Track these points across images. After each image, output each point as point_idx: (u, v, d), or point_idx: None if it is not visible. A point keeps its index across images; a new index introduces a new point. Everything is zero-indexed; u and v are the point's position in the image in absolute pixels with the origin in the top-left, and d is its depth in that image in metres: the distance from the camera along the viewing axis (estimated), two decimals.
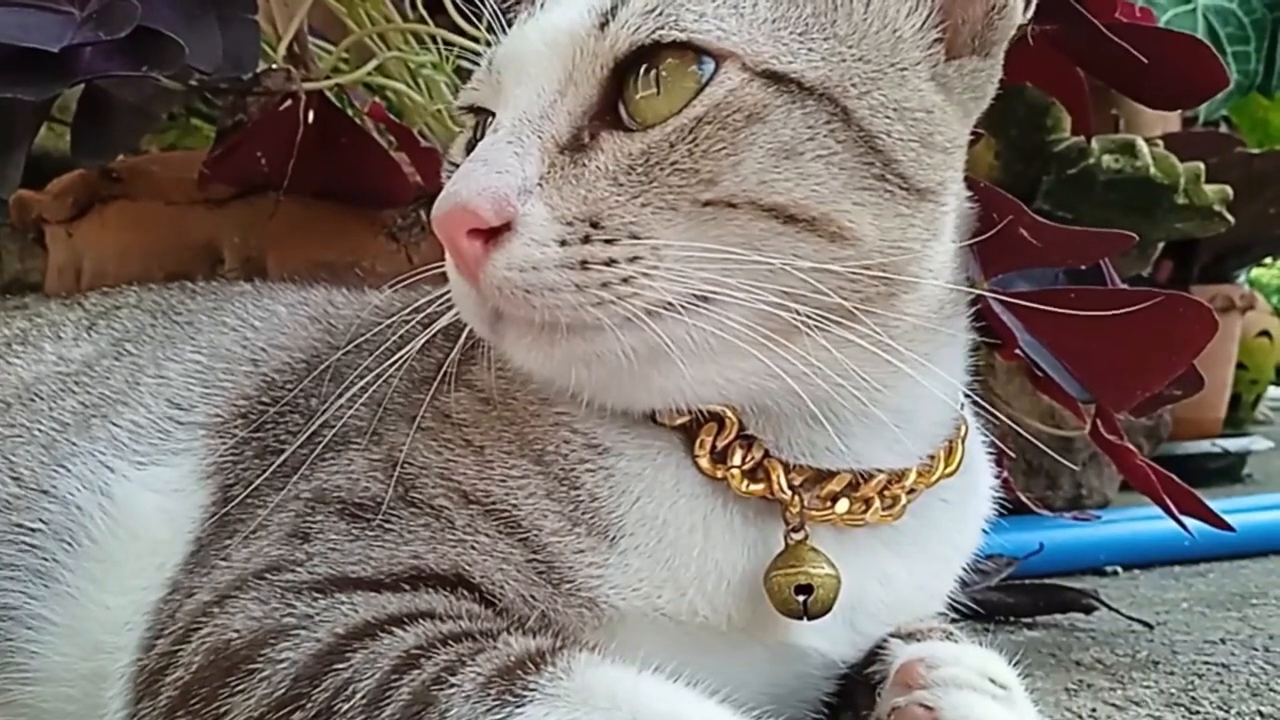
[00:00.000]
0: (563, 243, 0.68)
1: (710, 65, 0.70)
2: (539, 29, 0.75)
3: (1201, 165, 1.82)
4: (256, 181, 1.38)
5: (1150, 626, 1.33)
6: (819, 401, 0.74)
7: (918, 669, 0.76)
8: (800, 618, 0.76)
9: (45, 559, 0.82)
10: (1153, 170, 1.75)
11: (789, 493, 0.78)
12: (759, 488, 0.78)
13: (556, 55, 0.73)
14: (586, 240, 0.68)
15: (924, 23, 0.76)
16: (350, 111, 1.38)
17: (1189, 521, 1.23)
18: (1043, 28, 1.12)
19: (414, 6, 1.58)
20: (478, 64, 0.83)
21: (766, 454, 0.78)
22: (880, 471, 0.80)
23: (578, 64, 0.72)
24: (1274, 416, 4.94)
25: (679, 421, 0.78)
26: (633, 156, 0.70)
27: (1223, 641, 1.26)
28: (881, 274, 0.72)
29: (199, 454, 0.86)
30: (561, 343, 0.70)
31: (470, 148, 0.82)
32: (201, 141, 1.68)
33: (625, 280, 0.68)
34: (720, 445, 0.78)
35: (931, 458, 0.83)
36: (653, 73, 0.71)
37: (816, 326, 0.70)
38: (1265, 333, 4.06)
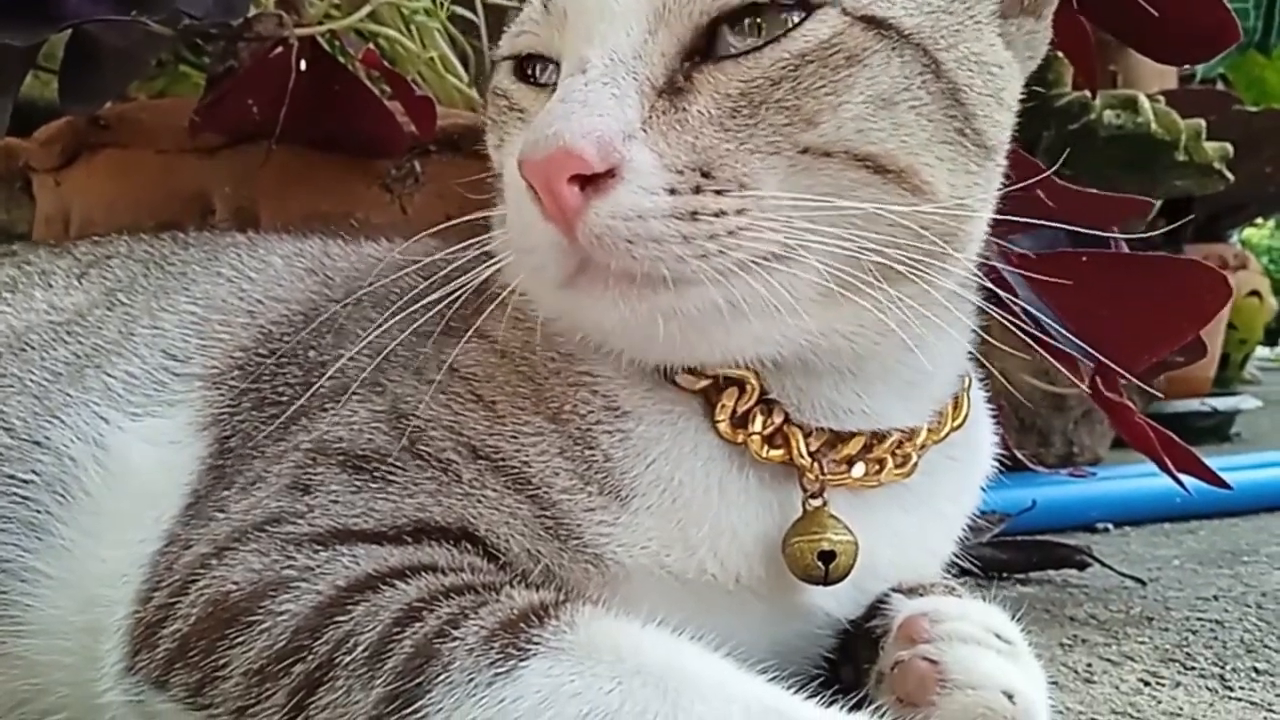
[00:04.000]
0: (672, 191, 0.65)
1: (804, 8, 0.69)
2: None
3: (1202, 123, 1.81)
4: (248, 130, 1.36)
5: (1143, 583, 1.34)
6: (854, 360, 0.75)
7: (921, 623, 0.75)
8: (820, 583, 0.76)
9: (38, 511, 0.81)
10: (1154, 127, 1.74)
11: (808, 459, 0.77)
12: (778, 453, 0.77)
13: None
14: (698, 191, 0.66)
15: None
16: (343, 59, 1.35)
17: (1186, 479, 1.23)
18: None
19: None
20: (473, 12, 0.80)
21: (786, 419, 0.78)
22: (895, 431, 0.80)
23: (671, 6, 0.69)
24: (1262, 376, 4.96)
25: (700, 385, 0.77)
26: (733, 97, 0.68)
27: (1216, 598, 1.26)
28: (946, 231, 0.72)
29: (195, 405, 0.84)
30: (650, 297, 0.67)
31: (518, 67, 0.79)
32: (191, 89, 1.66)
33: (731, 233, 0.66)
34: (741, 410, 0.77)
35: (939, 413, 0.83)
36: (751, 23, 0.69)
37: (877, 285, 0.70)
38: (1255, 292, 4.06)
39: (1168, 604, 1.24)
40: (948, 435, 0.83)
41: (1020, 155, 0.92)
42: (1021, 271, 0.97)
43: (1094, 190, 1.03)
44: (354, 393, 0.81)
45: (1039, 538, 1.43)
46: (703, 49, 0.70)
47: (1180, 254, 2.84)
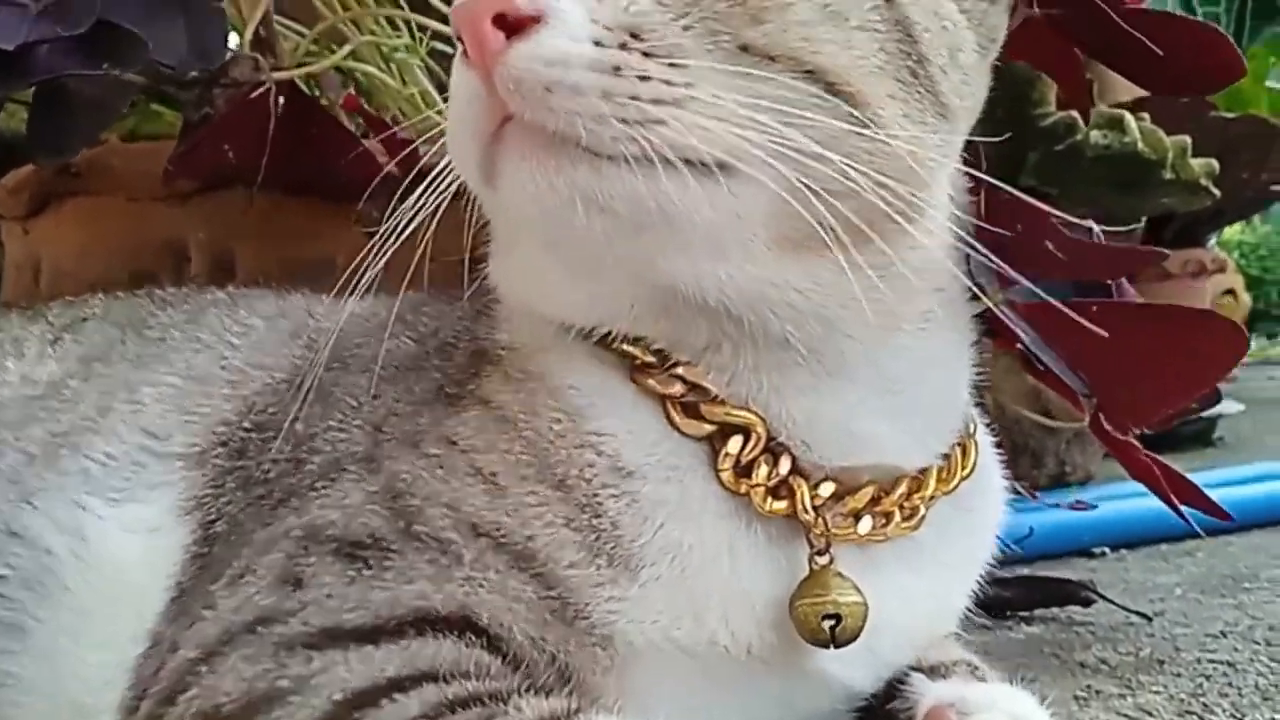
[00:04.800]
0: (597, 43, 0.63)
1: None
2: None
3: (1188, 140, 1.80)
4: (223, 175, 1.32)
5: (1149, 619, 1.31)
6: (829, 340, 0.72)
7: (948, 716, 0.73)
8: (828, 646, 0.73)
9: (14, 609, 0.77)
10: (1141, 146, 1.72)
11: (812, 514, 0.74)
12: (781, 506, 0.74)
13: None
14: (623, 48, 0.64)
15: None
16: (323, 99, 1.31)
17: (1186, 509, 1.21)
18: (1047, 12, 1.08)
19: None
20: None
21: (793, 468, 0.75)
22: (902, 476, 0.78)
23: None
24: (1239, 374, 4.99)
25: (705, 431, 0.74)
26: None
27: (1224, 634, 1.24)
28: (902, 182, 0.68)
29: (177, 488, 0.81)
30: (569, 168, 0.64)
31: None
32: (163, 126, 1.61)
33: (656, 102, 0.63)
34: (745, 459, 0.74)
35: (947, 459, 0.81)
36: None
37: (833, 239, 0.67)
38: (1230, 291, 4.08)
39: (1177, 643, 1.22)
40: (957, 486, 0.81)
41: (1025, 203, 0.89)
42: (1027, 319, 0.94)
43: (1105, 242, 1.00)
44: (346, 470, 0.78)
45: (1043, 574, 1.41)
46: None
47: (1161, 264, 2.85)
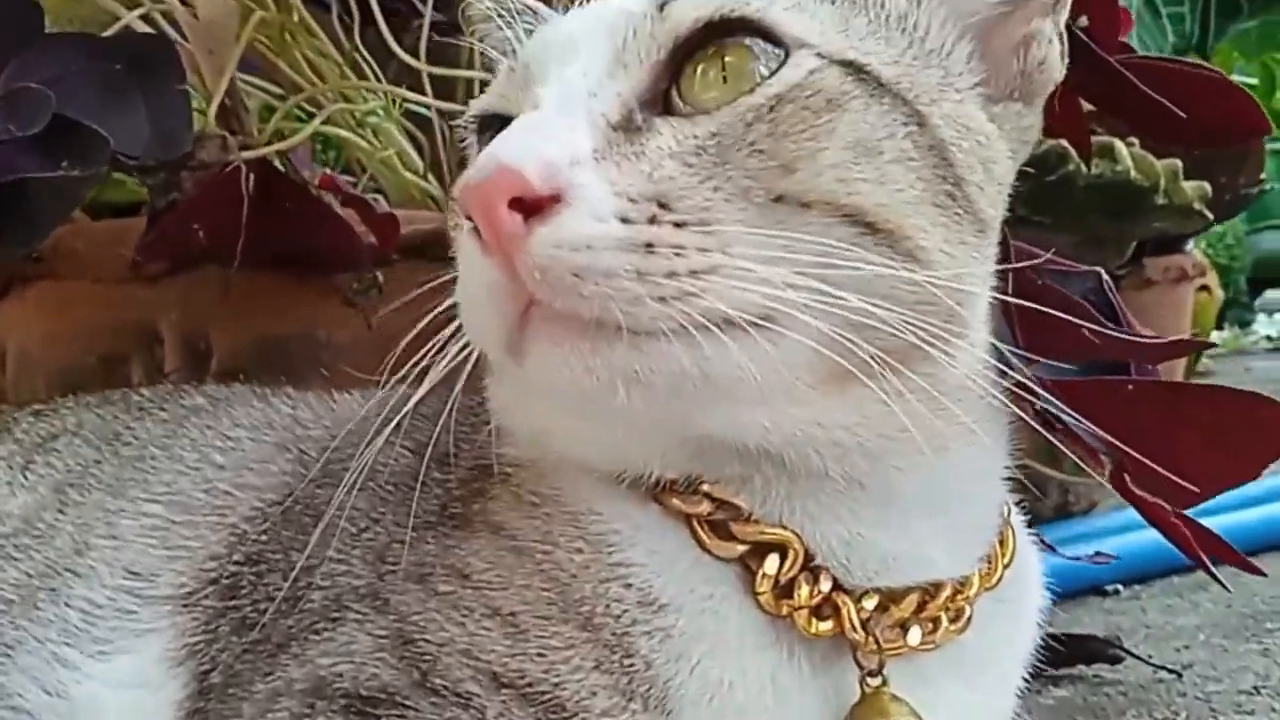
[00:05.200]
0: (625, 220, 0.59)
1: (780, 55, 0.64)
2: (582, 14, 0.69)
3: (1179, 163, 1.77)
4: (194, 254, 1.25)
5: (1179, 675, 1.27)
6: (874, 472, 0.68)
7: None
8: None
9: None
10: (1133, 174, 1.70)
11: (862, 632, 0.69)
12: (827, 627, 0.69)
13: (605, 34, 0.66)
14: (653, 221, 0.59)
15: (969, 55, 0.72)
16: (291, 170, 1.25)
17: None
18: None
19: (349, 35, 1.46)
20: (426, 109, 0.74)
21: (835, 585, 0.70)
22: (946, 582, 0.72)
23: (629, 45, 0.65)
24: (1215, 365, 4.98)
25: (739, 552, 0.69)
26: (701, 138, 0.62)
27: (1257, 690, 1.20)
28: (947, 308, 0.65)
29: (167, 635, 0.75)
30: (606, 350, 0.59)
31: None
32: (127, 195, 1.55)
33: (694, 273, 0.59)
34: (784, 579, 0.69)
35: (989, 557, 0.76)
36: (716, 59, 0.64)
37: (879, 369, 0.63)
38: (1204, 288, 4.08)
39: (1211, 703, 1.18)
40: (1001, 579, 0.76)
41: (1061, 293, 0.85)
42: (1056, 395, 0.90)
43: (1142, 335, 0.95)
44: (349, 608, 0.72)
45: (1068, 630, 1.36)
46: (662, 98, 0.64)
47: (1141, 269, 2.82)
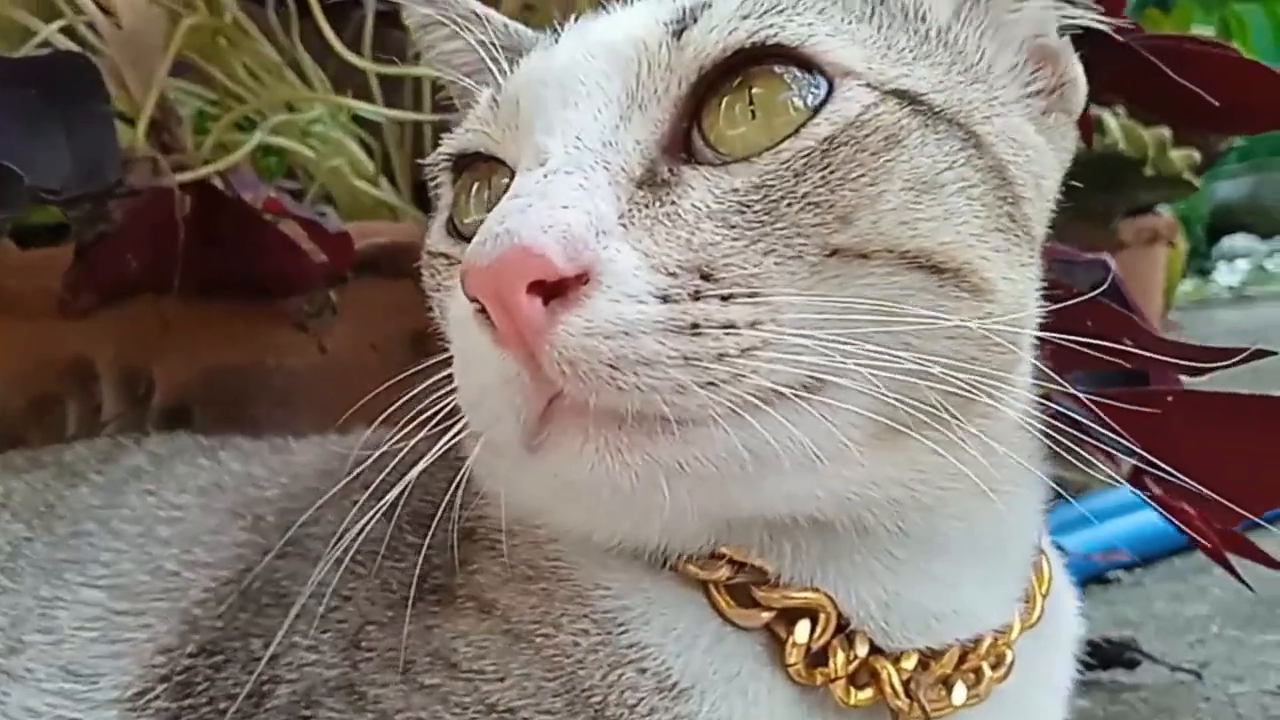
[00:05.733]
0: (665, 299, 0.51)
1: (822, 84, 0.56)
2: (584, 43, 0.60)
3: (1167, 133, 1.71)
4: (129, 284, 1.15)
5: (1199, 676, 1.21)
6: (925, 525, 0.62)
7: None
8: None
9: None
10: (1121, 145, 1.64)
11: (905, 698, 0.63)
12: (867, 695, 0.63)
13: (615, 70, 0.57)
14: (697, 297, 0.51)
15: (1019, 65, 0.67)
16: (245, 193, 1.15)
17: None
18: None
19: (287, 33, 1.36)
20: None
21: (872, 648, 0.63)
22: (988, 632, 0.66)
23: (644, 81, 0.57)
24: (1183, 320, 4.98)
25: (763, 621, 0.62)
26: (742, 192, 0.54)
27: None
28: (1007, 345, 0.59)
29: None
30: (645, 444, 0.51)
31: (450, 224, 0.66)
32: (53, 216, 1.44)
33: (745, 351, 0.51)
34: (816, 645, 0.62)
35: (1028, 597, 0.70)
36: (742, 92, 0.56)
37: (938, 418, 0.56)
38: (1170, 243, 4.06)
39: (1236, 706, 1.12)
40: (1040, 616, 0.70)
41: (1105, 305, 0.78)
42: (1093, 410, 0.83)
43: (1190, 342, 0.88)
44: (321, 704, 0.64)
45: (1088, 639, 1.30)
46: (683, 139, 0.56)
47: (1114, 232, 2.77)
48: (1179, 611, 1.45)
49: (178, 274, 1.10)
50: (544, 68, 0.60)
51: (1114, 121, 1.61)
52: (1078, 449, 0.71)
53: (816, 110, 0.56)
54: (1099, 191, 1.65)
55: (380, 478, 0.74)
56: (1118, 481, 1.08)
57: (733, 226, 0.53)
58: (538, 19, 1.29)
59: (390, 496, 0.63)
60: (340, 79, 1.38)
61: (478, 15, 0.72)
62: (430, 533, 0.67)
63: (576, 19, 0.66)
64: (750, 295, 0.52)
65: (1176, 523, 1.07)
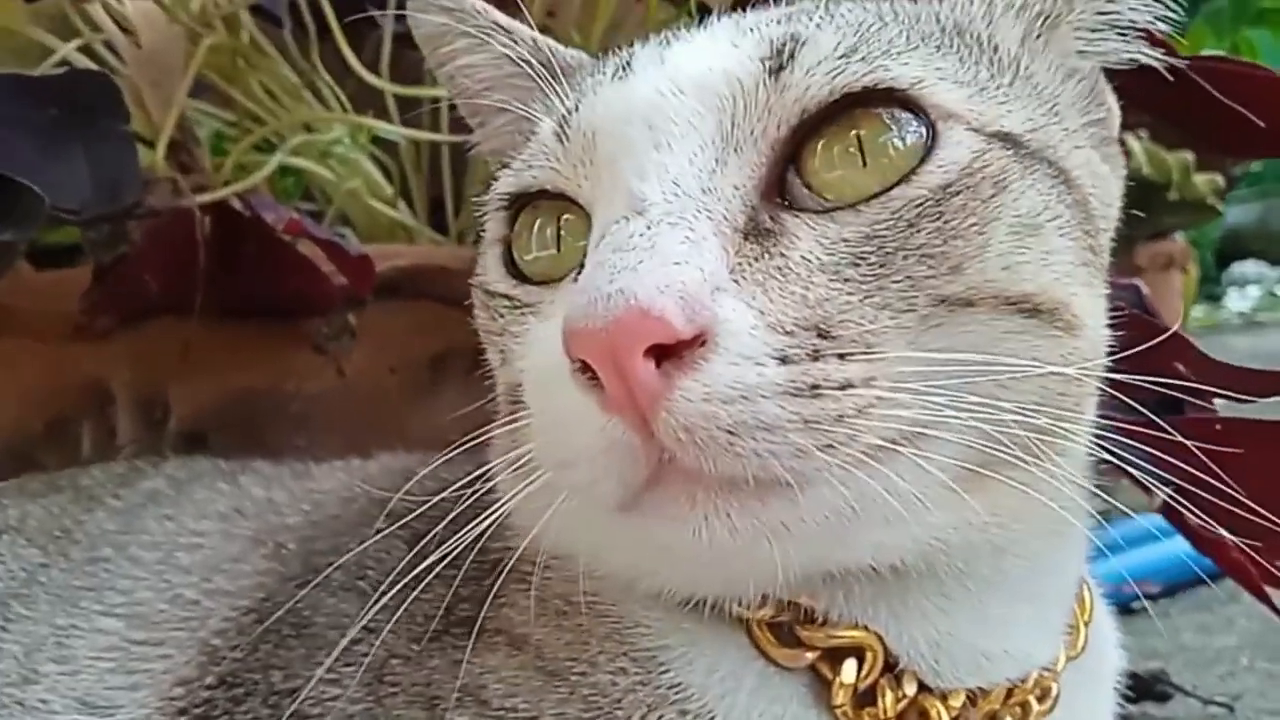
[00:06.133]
0: (784, 360, 0.49)
1: (921, 125, 0.55)
2: (667, 77, 0.56)
3: (1190, 156, 1.70)
4: (147, 305, 1.14)
5: (1231, 709, 1.19)
6: (993, 567, 0.60)
7: None
8: None
9: None
10: (1145, 169, 1.62)
11: None
12: None
13: (708, 109, 0.55)
14: (816, 356, 0.49)
15: (1077, 95, 0.65)
16: (266, 214, 1.13)
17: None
18: None
19: (305, 54, 1.35)
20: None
21: (920, 686, 0.61)
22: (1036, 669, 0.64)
23: (739, 122, 0.54)
24: (1194, 343, 4.94)
25: (808, 660, 0.60)
26: (852, 242, 0.52)
27: None
28: (1087, 377, 0.58)
29: None
30: (757, 510, 0.50)
31: (508, 261, 0.63)
32: (70, 235, 1.43)
33: (861, 411, 0.49)
34: (863, 685, 0.60)
35: (1072, 626, 0.68)
36: (843, 134, 0.54)
37: (1023, 459, 0.54)
38: (1183, 269, 4.04)
39: None
40: (1085, 645, 0.68)
41: (1150, 321, 0.76)
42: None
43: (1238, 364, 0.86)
44: None
45: None
46: (780, 183, 0.54)
47: (1130, 256, 2.76)
48: (1208, 643, 1.42)
49: (198, 296, 1.08)
50: (624, 102, 0.57)
51: (1138, 145, 1.59)
52: (1119, 478, 0.70)
53: (925, 156, 0.54)
54: (1123, 215, 1.63)
55: (403, 503, 0.73)
56: (1131, 512, 1.07)
57: (846, 280, 0.51)
58: (557, 25, 1.29)
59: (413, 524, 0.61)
60: (358, 100, 1.37)
61: (502, 27, 0.70)
62: (450, 559, 0.65)
63: (644, 43, 0.63)
64: (865, 351, 0.50)
65: (1213, 556, 1.05)
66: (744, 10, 1.09)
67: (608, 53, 0.67)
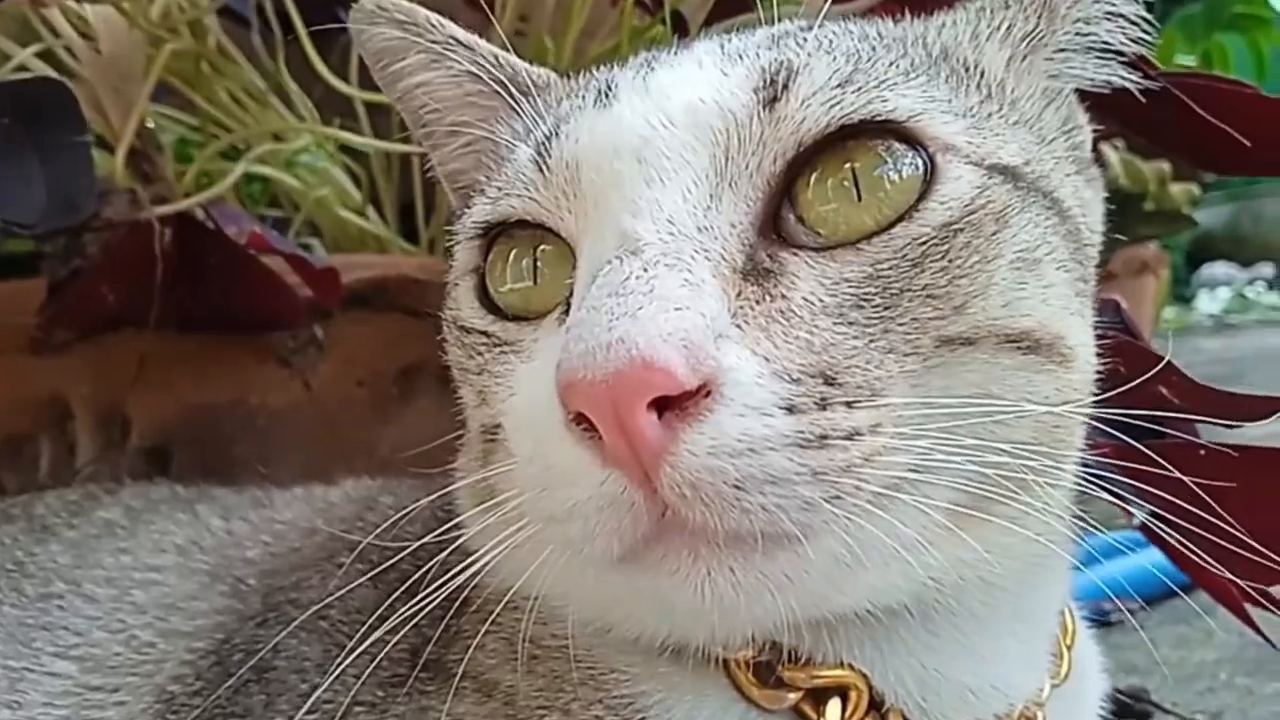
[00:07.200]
0: (791, 409, 0.46)
1: (921, 160, 0.52)
2: (654, 106, 0.54)
3: (1167, 167, 1.69)
4: (106, 318, 1.11)
5: None
6: (983, 602, 0.58)
7: None
8: None
9: None
10: (1121, 180, 1.61)
11: None
12: None
13: (701, 142, 0.52)
14: (823, 405, 0.47)
15: (1063, 120, 0.63)
16: (229, 227, 1.10)
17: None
18: None
19: (272, 56, 1.32)
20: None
21: None
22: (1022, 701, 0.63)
23: (734, 156, 0.52)
24: (1166, 348, 4.97)
25: (791, 702, 0.58)
26: (854, 283, 0.50)
27: None
28: (1078, 407, 0.57)
29: None
30: (762, 562, 0.48)
31: (482, 294, 0.59)
32: (20, 245, 1.38)
33: (867, 459, 0.48)
34: None
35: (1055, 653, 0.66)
36: (836, 165, 0.52)
37: (1014, 495, 0.53)
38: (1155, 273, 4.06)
39: None
40: (1069, 670, 0.66)
41: (1137, 346, 0.75)
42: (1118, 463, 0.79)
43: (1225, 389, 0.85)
44: None
45: None
46: (772, 219, 0.52)
47: (1107, 261, 2.77)
48: (1186, 658, 1.41)
49: (155, 309, 1.05)
50: (610, 133, 0.54)
51: (1114, 156, 1.58)
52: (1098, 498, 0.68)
53: (924, 192, 0.52)
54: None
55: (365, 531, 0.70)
56: (1102, 528, 1.06)
57: (851, 323, 0.49)
58: (529, 32, 1.26)
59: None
60: (325, 104, 1.34)
61: (461, 43, 0.66)
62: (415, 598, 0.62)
63: (623, 66, 0.61)
64: (871, 398, 0.48)
65: (1190, 572, 1.04)
66: (718, 19, 1.07)
67: (581, 63, 0.64)
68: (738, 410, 0.45)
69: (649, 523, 0.47)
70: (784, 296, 0.49)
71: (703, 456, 0.45)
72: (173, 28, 1.12)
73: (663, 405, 0.45)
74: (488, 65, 0.65)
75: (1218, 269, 6.95)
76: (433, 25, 0.66)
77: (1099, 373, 0.61)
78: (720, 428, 0.45)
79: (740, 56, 0.55)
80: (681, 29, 1.09)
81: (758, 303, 0.49)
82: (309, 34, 1.22)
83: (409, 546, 0.61)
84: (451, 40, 0.66)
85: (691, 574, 0.47)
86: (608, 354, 0.44)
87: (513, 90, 0.63)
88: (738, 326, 0.48)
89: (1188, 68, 0.98)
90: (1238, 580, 0.99)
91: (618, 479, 0.46)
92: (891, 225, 0.51)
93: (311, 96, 1.35)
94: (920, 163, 0.52)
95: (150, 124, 1.10)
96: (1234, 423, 0.81)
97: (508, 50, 0.69)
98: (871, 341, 0.49)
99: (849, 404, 0.47)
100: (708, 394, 0.45)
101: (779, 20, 0.61)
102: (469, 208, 0.62)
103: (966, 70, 0.59)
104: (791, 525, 0.46)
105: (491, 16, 0.81)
